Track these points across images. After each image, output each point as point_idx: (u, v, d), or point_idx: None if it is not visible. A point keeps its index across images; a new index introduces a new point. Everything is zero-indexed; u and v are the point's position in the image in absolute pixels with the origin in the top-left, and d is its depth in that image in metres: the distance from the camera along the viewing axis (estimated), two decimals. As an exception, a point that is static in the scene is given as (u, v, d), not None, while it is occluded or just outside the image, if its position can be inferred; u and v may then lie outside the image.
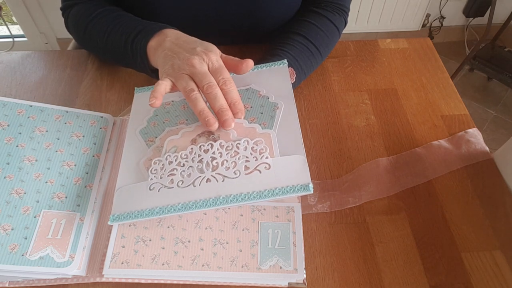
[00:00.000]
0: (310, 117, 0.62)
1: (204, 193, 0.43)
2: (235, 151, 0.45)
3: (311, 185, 0.41)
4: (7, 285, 0.44)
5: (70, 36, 0.69)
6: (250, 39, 0.71)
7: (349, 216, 0.51)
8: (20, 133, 0.50)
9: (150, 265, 0.43)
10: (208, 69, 0.49)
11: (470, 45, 2.05)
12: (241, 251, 0.44)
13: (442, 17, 1.98)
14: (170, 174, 0.45)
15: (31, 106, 0.53)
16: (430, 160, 0.57)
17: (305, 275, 0.43)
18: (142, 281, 0.44)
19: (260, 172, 0.43)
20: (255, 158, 0.44)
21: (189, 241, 0.45)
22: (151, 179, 0.45)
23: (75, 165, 0.50)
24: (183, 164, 0.45)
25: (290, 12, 0.70)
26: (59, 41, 1.86)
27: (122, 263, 0.43)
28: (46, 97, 0.63)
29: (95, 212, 0.47)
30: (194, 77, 0.48)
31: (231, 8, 0.66)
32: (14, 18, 1.78)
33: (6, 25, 1.76)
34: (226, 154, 0.45)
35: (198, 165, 0.45)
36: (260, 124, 0.48)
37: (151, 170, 0.45)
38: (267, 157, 0.44)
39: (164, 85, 0.48)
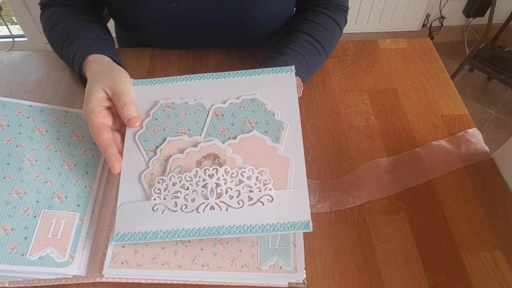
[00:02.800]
0: (310, 117, 0.62)
1: (207, 221, 0.43)
2: (239, 179, 0.45)
3: (311, 224, 0.42)
4: (7, 285, 0.44)
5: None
6: (241, 45, 0.71)
7: (349, 216, 0.51)
8: (20, 133, 0.50)
9: (150, 265, 0.43)
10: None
11: (470, 45, 2.05)
12: (241, 251, 0.44)
13: (442, 17, 1.98)
14: (174, 196, 0.44)
15: (30, 106, 0.52)
16: (430, 160, 0.57)
17: (305, 275, 0.43)
18: (142, 281, 0.44)
19: (263, 204, 0.43)
20: (258, 189, 0.44)
21: (189, 241, 0.45)
22: (155, 199, 0.45)
23: (75, 165, 0.50)
24: (187, 187, 0.45)
25: (280, 22, 0.70)
26: (59, 41, 1.86)
27: (122, 263, 0.43)
28: (46, 97, 0.63)
29: (95, 212, 0.47)
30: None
31: (220, 18, 0.66)
32: (14, 18, 1.78)
33: (6, 25, 1.76)
34: (231, 182, 0.45)
35: (202, 190, 0.44)
36: None
37: (154, 190, 0.45)
38: (270, 189, 0.44)
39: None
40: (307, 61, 0.61)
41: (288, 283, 0.44)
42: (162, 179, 0.46)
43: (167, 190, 0.45)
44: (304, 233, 0.47)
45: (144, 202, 0.45)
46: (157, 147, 0.48)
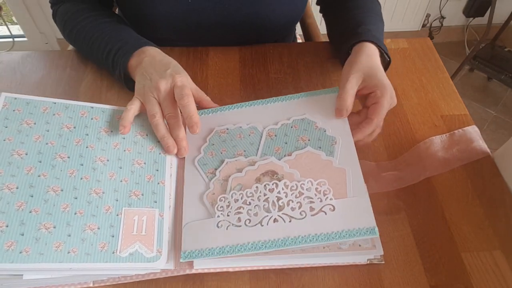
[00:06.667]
0: (310, 117, 0.62)
1: (272, 233, 0.44)
2: (299, 191, 0.46)
3: (376, 229, 0.42)
4: (91, 284, 0.44)
5: (70, 36, 0.68)
6: (253, 43, 0.71)
7: (349, 216, 0.51)
8: (87, 135, 0.51)
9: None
10: (172, 89, 0.51)
11: (470, 45, 2.05)
12: None
13: (442, 17, 1.98)
14: (237, 212, 0.46)
15: (92, 107, 0.53)
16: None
17: (382, 251, 0.44)
18: (237, 269, 0.45)
19: (326, 213, 0.44)
20: (319, 199, 0.45)
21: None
22: (218, 216, 0.46)
23: (145, 163, 0.51)
24: (249, 202, 0.46)
25: (292, 18, 0.69)
26: (59, 41, 1.86)
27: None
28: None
29: (171, 208, 0.49)
30: (160, 102, 0.52)
31: (232, 15, 0.66)
32: (14, 18, 1.78)
33: (6, 25, 1.76)
34: (291, 194, 0.46)
35: (264, 204, 0.46)
36: None
37: (217, 207, 0.46)
38: (331, 199, 0.45)
39: (132, 110, 0.51)
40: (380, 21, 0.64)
41: (368, 259, 0.45)
42: (224, 197, 0.47)
43: (229, 207, 0.46)
44: None
45: (208, 219, 0.46)
46: (216, 169, 0.50)
